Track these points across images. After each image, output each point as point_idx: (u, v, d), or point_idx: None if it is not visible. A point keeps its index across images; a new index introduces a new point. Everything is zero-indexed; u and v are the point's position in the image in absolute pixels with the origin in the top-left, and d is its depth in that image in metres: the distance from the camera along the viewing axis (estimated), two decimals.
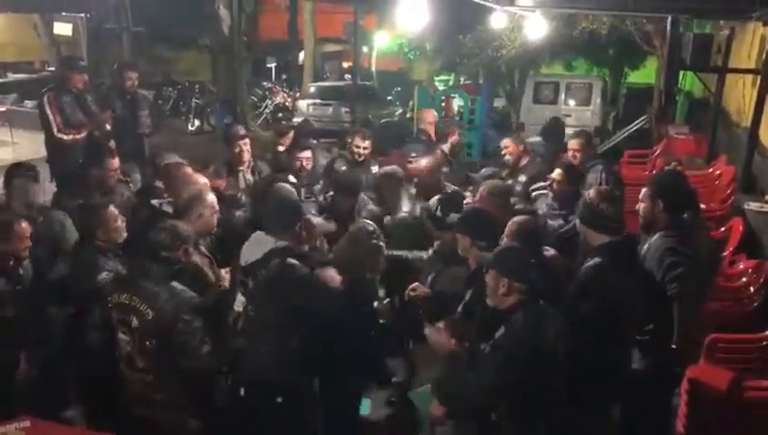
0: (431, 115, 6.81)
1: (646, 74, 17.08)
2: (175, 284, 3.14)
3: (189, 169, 4.43)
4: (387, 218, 4.49)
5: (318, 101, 16.00)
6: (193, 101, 15.70)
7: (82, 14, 13.95)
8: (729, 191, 6.96)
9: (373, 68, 22.19)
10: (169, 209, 4.04)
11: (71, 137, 6.11)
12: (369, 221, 3.85)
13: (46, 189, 5.15)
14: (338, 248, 3.78)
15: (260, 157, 5.78)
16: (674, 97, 11.90)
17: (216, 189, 4.26)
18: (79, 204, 3.99)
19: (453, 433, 3.00)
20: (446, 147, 6.27)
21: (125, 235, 3.67)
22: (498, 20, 9.33)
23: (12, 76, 17.40)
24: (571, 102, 13.54)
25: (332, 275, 3.40)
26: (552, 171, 4.76)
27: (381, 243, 3.72)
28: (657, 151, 9.54)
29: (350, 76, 18.16)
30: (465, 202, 4.69)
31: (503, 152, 5.78)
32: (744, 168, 7.36)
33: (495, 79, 14.94)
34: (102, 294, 3.25)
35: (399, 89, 20.55)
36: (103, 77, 12.51)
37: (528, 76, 14.49)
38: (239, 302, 3.40)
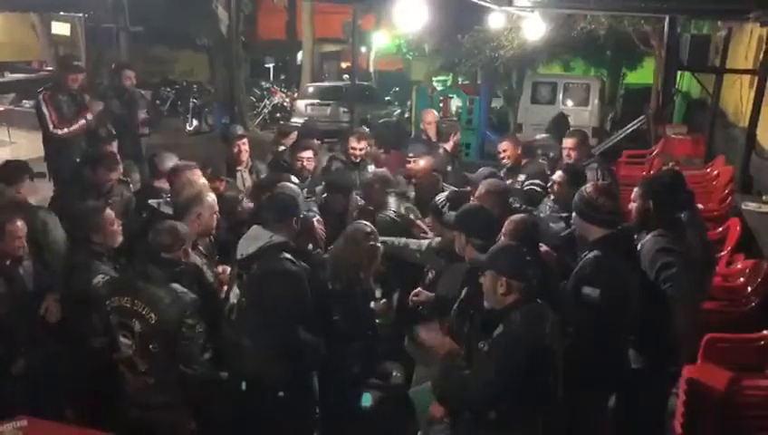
0: (431, 115, 6.81)
1: (644, 75, 17.09)
2: (176, 286, 3.13)
3: (198, 172, 4.43)
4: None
5: (316, 101, 16.00)
6: (191, 102, 15.68)
7: (80, 14, 13.94)
8: (727, 191, 6.99)
9: (372, 68, 22.21)
10: (168, 210, 4.04)
11: (65, 130, 6.11)
12: (366, 222, 3.86)
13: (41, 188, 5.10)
14: (335, 248, 3.79)
15: (259, 157, 5.78)
16: (672, 97, 11.94)
17: (215, 190, 4.27)
18: (75, 206, 3.96)
19: (451, 432, 3.00)
20: (448, 146, 6.29)
21: (120, 239, 3.64)
22: (496, 20, 9.33)
23: (10, 76, 17.35)
24: (569, 103, 13.56)
25: None
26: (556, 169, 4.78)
27: (378, 244, 3.73)
28: (655, 152, 9.57)
29: (348, 76, 18.16)
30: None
31: (501, 155, 5.78)
32: (741, 168, 7.38)
33: (493, 79, 14.93)
34: (98, 297, 3.24)
35: (398, 89, 20.59)
36: (101, 77, 12.50)
37: (526, 76, 14.51)
38: (234, 294, 3.45)
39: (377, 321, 3.84)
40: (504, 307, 2.68)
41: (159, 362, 3.06)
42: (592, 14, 10.11)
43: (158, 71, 18.76)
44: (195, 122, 15.44)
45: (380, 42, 21.25)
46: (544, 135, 7.06)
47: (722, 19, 9.03)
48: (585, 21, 11.06)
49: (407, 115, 16.12)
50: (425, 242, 4.18)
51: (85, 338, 3.40)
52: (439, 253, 3.84)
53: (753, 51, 8.72)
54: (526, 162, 5.64)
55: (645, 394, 3.44)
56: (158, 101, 16.36)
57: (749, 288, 4.88)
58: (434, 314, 3.56)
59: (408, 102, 16.33)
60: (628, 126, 12.81)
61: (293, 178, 4.73)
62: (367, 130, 6.52)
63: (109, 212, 3.61)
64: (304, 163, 5.21)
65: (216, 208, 3.83)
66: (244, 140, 5.40)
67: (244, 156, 5.34)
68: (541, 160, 5.80)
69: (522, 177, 5.28)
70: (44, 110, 6.12)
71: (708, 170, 8.10)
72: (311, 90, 17.04)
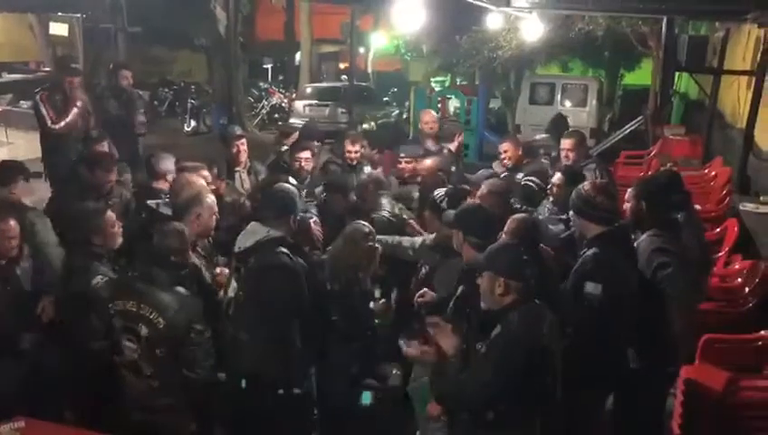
0: (428, 115, 6.81)
1: (641, 76, 17.13)
2: (181, 289, 3.12)
3: (206, 173, 4.44)
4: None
5: (314, 101, 16.01)
6: (189, 102, 15.66)
7: (78, 15, 13.91)
8: (724, 192, 7.00)
9: (370, 69, 22.22)
10: (167, 210, 4.03)
11: (62, 124, 6.16)
12: (364, 223, 3.86)
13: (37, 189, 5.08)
14: (334, 248, 3.79)
15: (257, 158, 5.77)
16: (669, 98, 11.96)
17: (215, 191, 4.27)
18: (75, 207, 3.94)
19: (449, 432, 3.00)
20: (452, 146, 6.30)
21: (120, 240, 3.62)
22: (494, 21, 9.34)
23: (7, 76, 17.28)
24: (567, 103, 13.57)
25: None
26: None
27: (377, 244, 3.74)
28: (653, 152, 9.58)
29: (346, 77, 18.16)
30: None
31: (502, 156, 5.77)
32: (739, 169, 7.40)
33: (492, 80, 14.96)
34: (99, 299, 3.22)
35: (396, 90, 20.61)
36: (99, 77, 12.48)
37: (524, 77, 14.53)
38: (231, 288, 3.50)
39: (376, 321, 3.84)
40: (501, 308, 2.68)
41: (165, 365, 3.04)
42: (590, 14, 10.13)
43: (157, 71, 18.75)
44: (193, 123, 15.43)
45: (378, 42, 21.26)
46: (544, 135, 7.07)
47: (720, 20, 9.05)
48: (583, 22, 11.08)
49: (405, 116, 16.13)
50: (418, 239, 4.19)
51: (84, 340, 3.38)
52: (434, 248, 3.84)
53: (751, 52, 8.74)
54: (527, 162, 5.65)
55: (643, 394, 3.44)
56: (156, 102, 16.36)
57: (747, 289, 4.89)
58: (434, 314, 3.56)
59: (407, 103, 16.35)
60: (626, 127, 12.81)
61: (291, 180, 4.73)
62: (361, 132, 6.52)
63: (110, 214, 3.58)
64: (302, 164, 5.20)
65: (216, 209, 3.82)
66: (243, 140, 5.39)
67: (243, 156, 5.33)
68: (543, 160, 5.80)
69: (520, 175, 5.29)
70: (42, 109, 6.19)
71: (706, 171, 8.11)
72: (309, 90, 17.04)
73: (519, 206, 4.55)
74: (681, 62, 8.11)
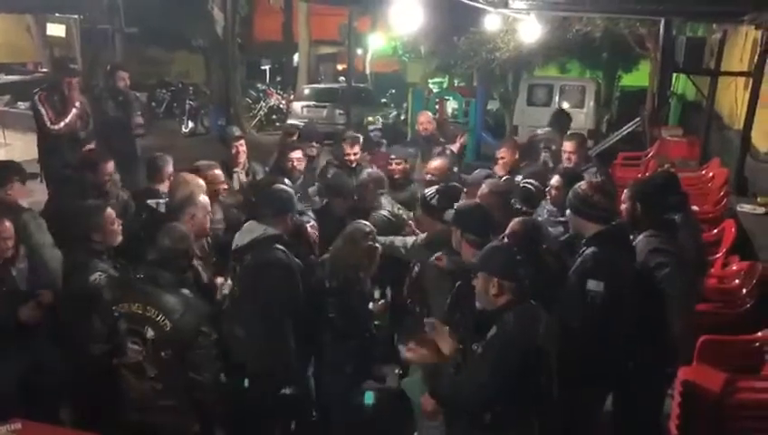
0: (423, 117, 6.82)
1: (639, 77, 17.17)
2: (186, 292, 3.11)
3: (219, 172, 4.47)
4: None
5: (312, 103, 15.98)
6: (187, 103, 15.66)
7: (75, 15, 13.91)
8: (722, 193, 7.00)
9: (368, 70, 22.20)
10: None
11: (61, 124, 6.14)
12: (365, 222, 3.86)
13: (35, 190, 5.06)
14: (334, 248, 3.78)
15: (255, 159, 5.77)
16: (667, 99, 11.95)
17: (216, 192, 4.28)
18: (75, 205, 3.93)
19: (447, 433, 3.00)
20: (454, 147, 6.33)
21: (120, 238, 3.61)
22: (492, 22, 9.34)
23: (4, 77, 17.27)
24: (565, 105, 13.54)
25: None
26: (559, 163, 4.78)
27: (377, 244, 3.73)
28: (651, 154, 9.58)
29: (344, 78, 18.16)
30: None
31: (499, 162, 5.76)
32: (736, 170, 7.41)
33: (489, 81, 14.97)
34: (99, 297, 3.20)
35: (394, 91, 20.61)
36: (97, 78, 12.46)
37: (522, 79, 14.54)
38: (227, 286, 3.53)
39: (375, 322, 3.83)
40: (496, 308, 2.68)
41: (170, 368, 3.02)
42: (588, 16, 10.15)
43: (154, 72, 18.74)
44: (190, 124, 15.42)
45: (376, 44, 21.23)
46: (547, 128, 7.08)
47: (717, 22, 9.08)
48: (581, 23, 11.10)
49: (402, 117, 16.14)
50: (410, 239, 4.18)
51: (86, 342, 3.36)
52: (428, 246, 3.83)
53: (748, 53, 8.76)
54: (525, 165, 5.64)
55: (641, 395, 3.45)
56: (153, 103, 16.35)
57: (744, 290, 4.89)
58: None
59: (404, 104, 16.35)
60: (624, 128, 12.83)
61: (286, 181, 4.73)
62: (358, 134, 6.51)
63: (109, 211, 3.58)
64: (294, 164, 5.20)
65: (210, 209, 3.82)
66: (242, 141, 5.41)
67: (242, 157, 5.34)
68: (543, 153, 5.79)
69: (519, 177, 5.28)
70: (41, 109, 6.16)
71: (703, 172, 8.11)
72: (307, 91, 17.03)
73: (519, 207, 4.55)
74: (679, 63, 8.12)
